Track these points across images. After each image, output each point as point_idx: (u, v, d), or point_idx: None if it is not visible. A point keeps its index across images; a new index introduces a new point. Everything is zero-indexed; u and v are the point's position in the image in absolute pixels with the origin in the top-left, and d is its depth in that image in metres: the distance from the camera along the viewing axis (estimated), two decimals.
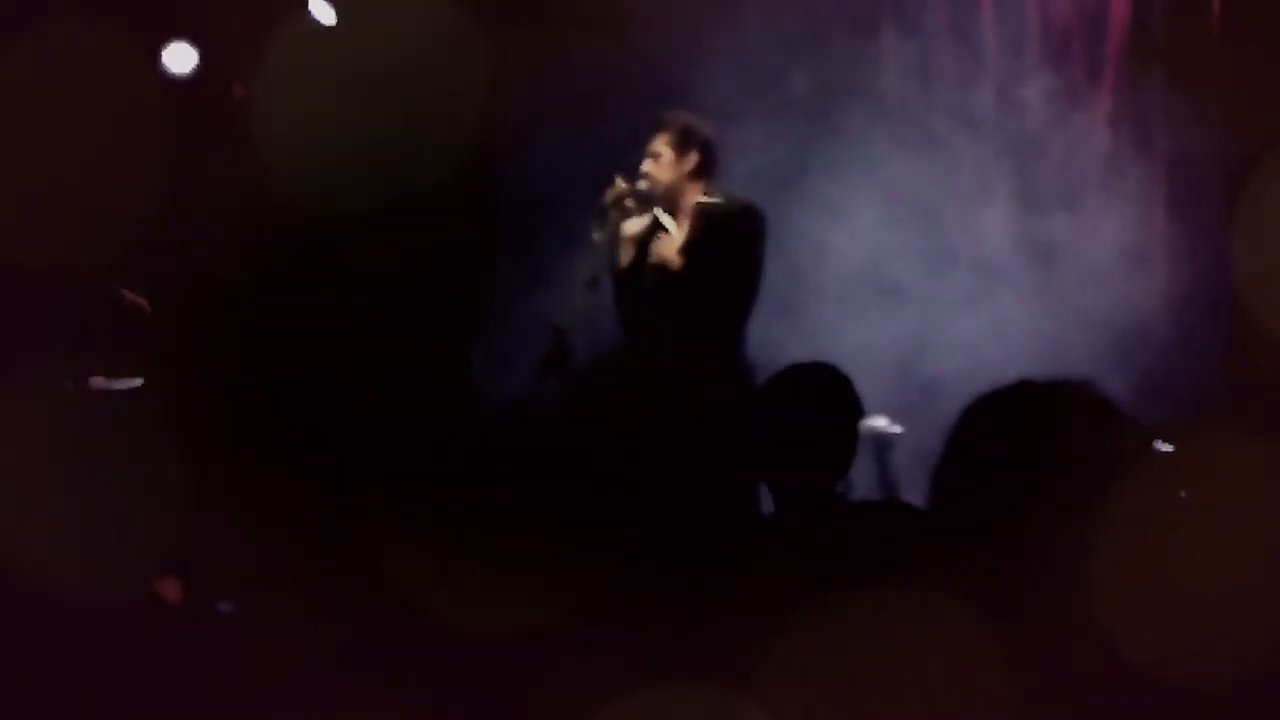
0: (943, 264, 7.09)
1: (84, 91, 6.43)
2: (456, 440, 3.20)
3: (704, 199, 5.86)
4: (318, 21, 6.96)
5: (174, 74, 7.00)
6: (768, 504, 3.53)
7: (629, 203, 5.86)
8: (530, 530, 2.94)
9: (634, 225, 5.92)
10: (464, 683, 2.90)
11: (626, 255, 5.92)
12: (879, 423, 6.45)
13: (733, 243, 5.80)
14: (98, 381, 5.40)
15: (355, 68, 6.87)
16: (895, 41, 7.28)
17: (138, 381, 5.43)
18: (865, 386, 3.59)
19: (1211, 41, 6.82)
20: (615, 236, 5.87)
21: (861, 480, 6.25)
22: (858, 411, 3.56)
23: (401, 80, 6.87)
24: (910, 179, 7.11)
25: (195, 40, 7.01)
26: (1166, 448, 3.13)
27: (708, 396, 3.77)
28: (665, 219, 5.88)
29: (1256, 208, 6.43)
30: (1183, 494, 2.77)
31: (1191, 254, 6.91)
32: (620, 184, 5.84)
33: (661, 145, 5.85)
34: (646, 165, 5.85)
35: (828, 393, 3.52)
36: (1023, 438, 2.69)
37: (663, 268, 5.82)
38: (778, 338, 6.26)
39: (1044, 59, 7.13)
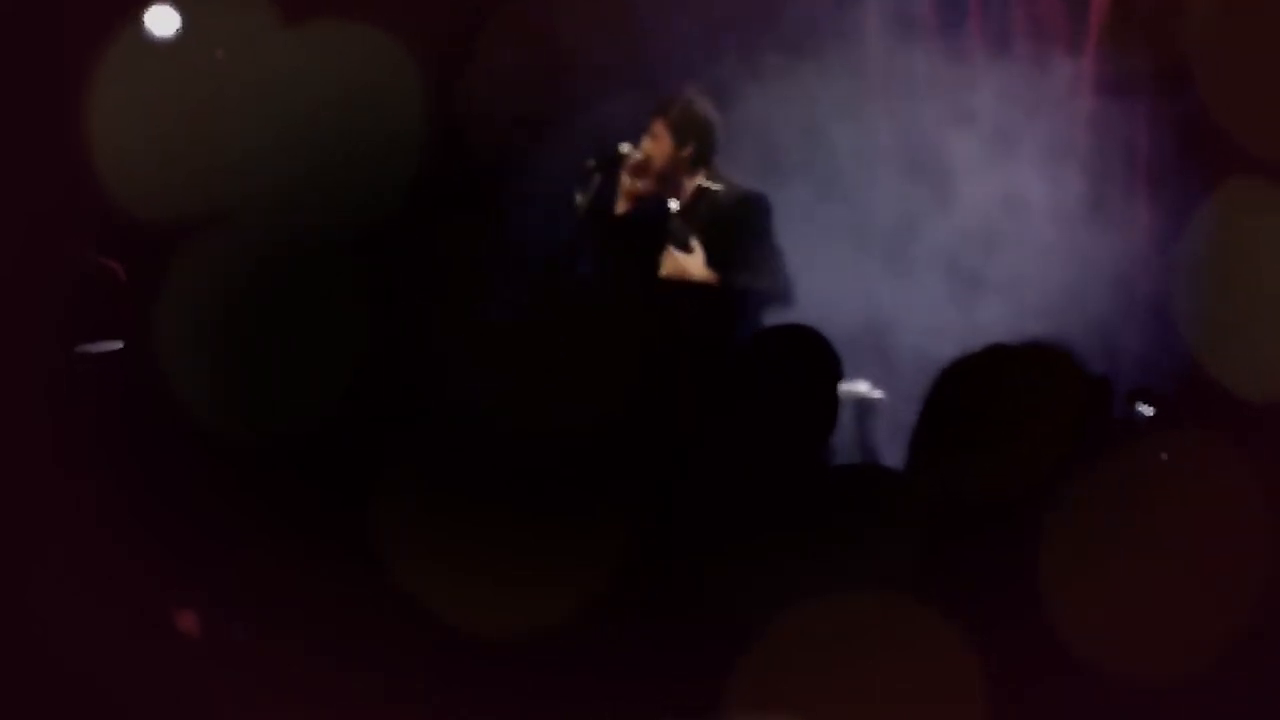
0: (923, 228, 7.09)
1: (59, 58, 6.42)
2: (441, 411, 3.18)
3: (706, 184, 5.87)
4: None
5: (155, 38, 6.97)
6: (751, 471, 3.51)
7: (598, 175, 5.85)
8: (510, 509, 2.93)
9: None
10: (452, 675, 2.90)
11: (623, 207, 5.91)
12: (860, 388, 6.45)
13: (747, 232, 5.80)
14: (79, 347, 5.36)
15: (336, 49, 6.84)
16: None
17: (117, 345, 5.39)
18: (846, 352, 3.57)
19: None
20: (604, 196, 5.86)
21: (843, 446, 6.27)
22: (838, 376, 3.54)
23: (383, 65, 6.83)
24: (886, 141, 7.10)
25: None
26: (1148, 410, 3.13)
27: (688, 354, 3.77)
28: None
29: (1234, 178, 6.43)
30: (1164, 456, 2.76)
31: (1173, 218, 6.91)
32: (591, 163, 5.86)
33: (660, 128, 5.86)
34: (646, 144, 5.87)
35: (809, 357, 3.50)
36: (995, 401, 2.69)
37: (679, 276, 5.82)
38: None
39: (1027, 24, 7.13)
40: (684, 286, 5.77)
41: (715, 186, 5.87)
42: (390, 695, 2.95)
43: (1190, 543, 2.60)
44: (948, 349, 2.91)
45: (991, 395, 2.69)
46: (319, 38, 6.71)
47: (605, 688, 2.80)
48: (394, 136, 6.78)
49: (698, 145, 5.87)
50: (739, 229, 5.81)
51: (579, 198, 5.85)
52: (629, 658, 2.80)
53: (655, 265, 5.86)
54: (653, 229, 5.93)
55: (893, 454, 6.04)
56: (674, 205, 5.92)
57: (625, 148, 5.88)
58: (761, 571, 2.81)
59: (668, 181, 5.90)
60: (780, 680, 2.60)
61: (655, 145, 5.87)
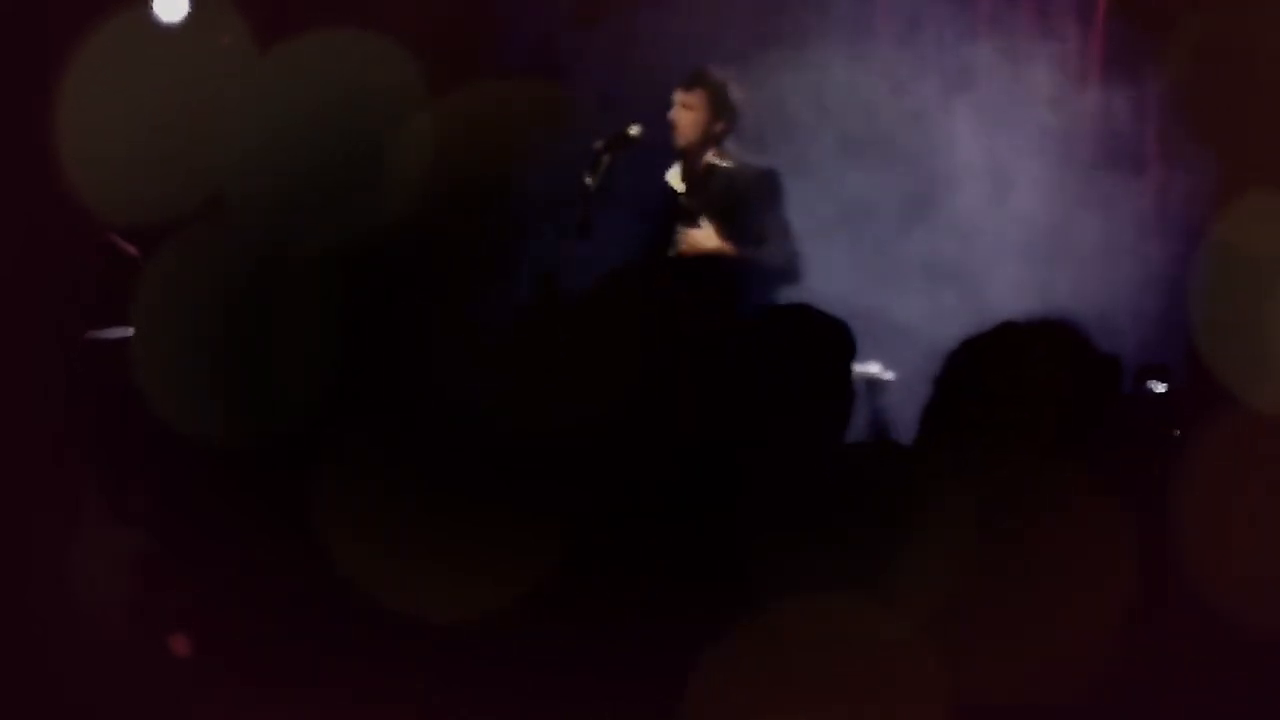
0: (934, 208, 7.09)
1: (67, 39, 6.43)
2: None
3: (716, 161, 5.87)
4: None
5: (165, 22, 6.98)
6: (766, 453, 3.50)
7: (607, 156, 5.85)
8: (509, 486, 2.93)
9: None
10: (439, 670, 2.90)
11: None
12: (872, 369, 6.46)
13: (759, 208, 5.81)
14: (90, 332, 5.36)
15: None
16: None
17: (129, 331, 5.39)
18: (857, 333, 3.56)
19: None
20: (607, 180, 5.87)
21: (854, 426, 6.27)
22: (852, 356, 3.53)
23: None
24: (896, 122, 7.10)
25: None
26: (1160, 388, 3.12)
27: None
28: (675, 181, 5.91)
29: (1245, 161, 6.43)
30: (1176, 433, 2.77)
31: (1185, 197, 6.91)
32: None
33: (698, 99, 5.84)
34: (677, 113, 5.86)
35: (822, 338, 3.50)
36: (1006, 380, 2.69)
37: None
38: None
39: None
40: (698, 261, 5.78)
41: (725, 163, 5.88)
42: (388, 695, 2.95)
43: (1201, 521, 2.61)
44: (959, 328, 2.91)
45: (1003, 373, 2.69)
46: (321, 35, 6.73)
47: (608, 688, 2.80)
48: (395, 133, 6.79)
49: (728, 124, 5.88)
50: (751, 205, 5.82)
51: (588, 179, 5.85)
52: (639, 656, 2.80)
53: (665, 245, 5.87)
54: (660, 209, 5.94)
55: (905, 433, 6.04)
56: (679, 186, 5.92)
57: (634, 129, 5.88)
58: (778, 561, 2.81)
59: (693, 157, 5.90)
60: (791, 672, 2.60)
61: (689, 114, 5.86)
